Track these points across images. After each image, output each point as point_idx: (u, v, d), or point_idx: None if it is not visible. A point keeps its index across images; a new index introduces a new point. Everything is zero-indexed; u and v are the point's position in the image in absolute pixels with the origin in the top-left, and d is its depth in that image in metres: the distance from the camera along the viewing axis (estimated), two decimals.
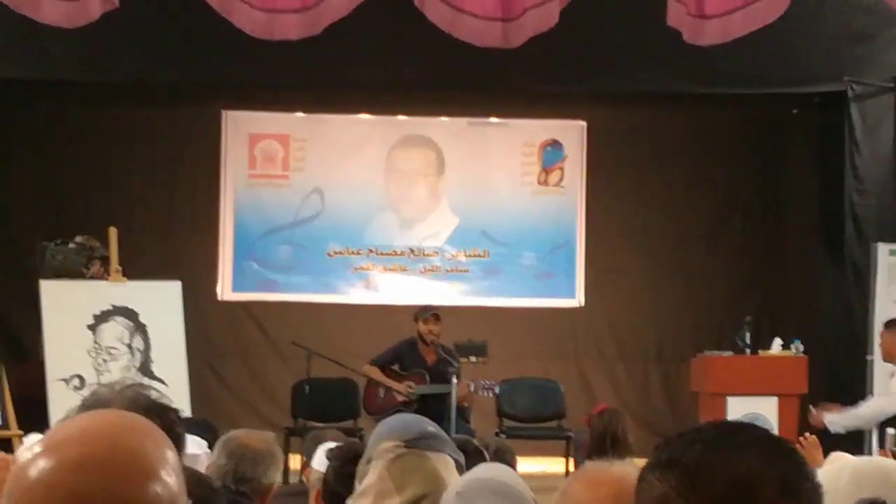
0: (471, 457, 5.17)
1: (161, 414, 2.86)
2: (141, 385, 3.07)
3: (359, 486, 3.18)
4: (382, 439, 3.17)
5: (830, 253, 11.88)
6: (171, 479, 1.48)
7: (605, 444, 6.81)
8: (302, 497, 5.21)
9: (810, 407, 9.56)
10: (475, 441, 5.91)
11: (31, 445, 1.49)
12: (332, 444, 4.94)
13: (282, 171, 13.40)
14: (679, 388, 12.81)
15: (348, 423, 11.43)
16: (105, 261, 10.23)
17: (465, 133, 13.56)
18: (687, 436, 1.63)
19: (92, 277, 10.22)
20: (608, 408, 7.24)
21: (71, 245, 10.35)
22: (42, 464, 1.44)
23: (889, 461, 2.68)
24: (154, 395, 3.00)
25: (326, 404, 11.23)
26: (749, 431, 1.62)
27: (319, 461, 5.02)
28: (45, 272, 10.13)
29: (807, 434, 9.37)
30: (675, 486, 1.56)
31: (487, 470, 2.90)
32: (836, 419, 9.17)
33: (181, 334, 10.14)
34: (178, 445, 3.01)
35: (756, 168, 13.62)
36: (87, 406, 2.88)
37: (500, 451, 6.18)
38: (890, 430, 6.78)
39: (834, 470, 2.26)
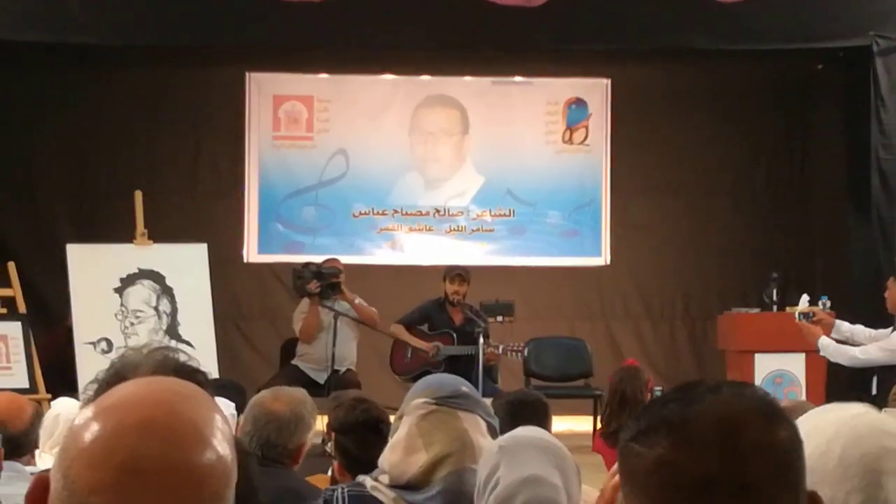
0: (539, 414, 5.23)
1: (189, 376, 2.86)
2: (169, 347, 3.08)
3: (390, 440, 3.21)
4: (416, 396, 3.19)
5: (857, 208, 11.80)
6: (224, 448, 1.49)
7: (616, 402, 6.91)
8: (324, 459, 5.20)
9: (820, 308, 9.49)
10: (544, 399, 5.96)
11: (86, 408, 1.48)
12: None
13: (306, 133, 13.40)
14: (706, 345, 12.81)
15: None
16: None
17: (489, 92, 13.53)
18: (654, 404, 1.63)
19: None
20: (623, 366, 7.27)
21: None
22: (101, 425, 1.44)
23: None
24: (182, 357, 3.01)
25: None
26: (707, 382, 1.63)
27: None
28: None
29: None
30: (667, 446, 1.55)
31: (528, 430, 2.92)
32: (831, 350, 8.99)
33: (207, 296, 10.14)
34: None
35: (782, 124, 13.55)
36: (116, 368, 2.89)
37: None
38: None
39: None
